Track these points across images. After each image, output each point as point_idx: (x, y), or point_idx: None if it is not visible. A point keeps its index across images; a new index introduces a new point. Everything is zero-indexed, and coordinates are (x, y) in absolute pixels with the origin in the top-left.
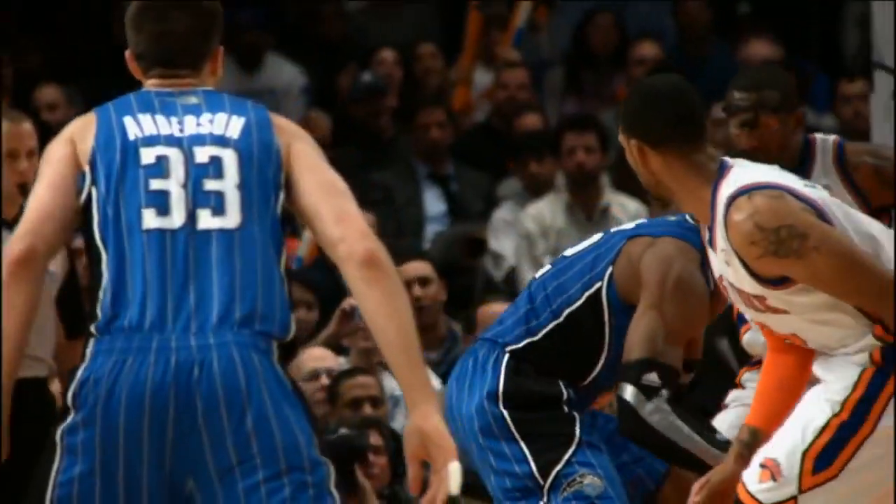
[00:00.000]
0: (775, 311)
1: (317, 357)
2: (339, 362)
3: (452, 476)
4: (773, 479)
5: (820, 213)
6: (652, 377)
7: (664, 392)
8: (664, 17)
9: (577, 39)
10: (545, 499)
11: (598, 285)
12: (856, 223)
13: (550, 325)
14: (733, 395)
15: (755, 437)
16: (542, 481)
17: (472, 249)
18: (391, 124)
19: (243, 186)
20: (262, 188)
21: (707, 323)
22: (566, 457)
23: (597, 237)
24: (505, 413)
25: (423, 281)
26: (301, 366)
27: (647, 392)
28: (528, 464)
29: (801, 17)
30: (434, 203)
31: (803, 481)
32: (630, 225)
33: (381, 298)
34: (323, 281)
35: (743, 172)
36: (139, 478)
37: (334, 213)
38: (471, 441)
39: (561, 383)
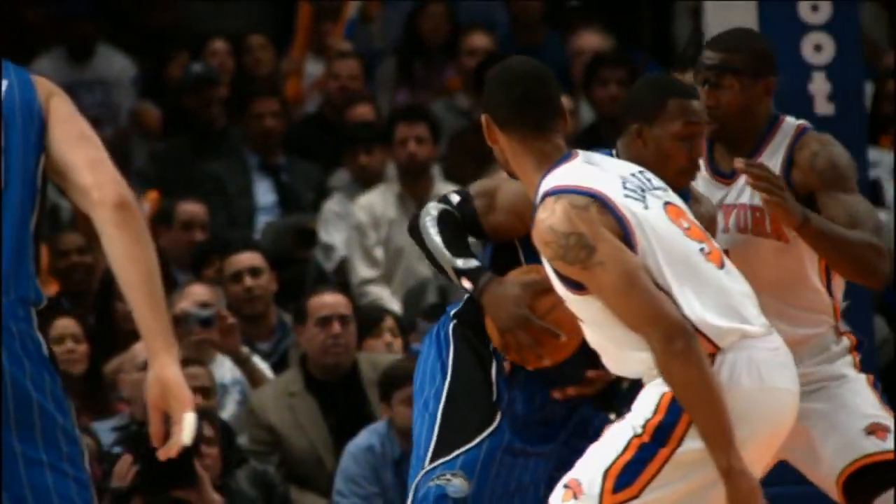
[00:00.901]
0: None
1: None
2: None
3: (187, 427)
4: (575, 497)
5: (625, 231)
6: (455, 197)
7: (448, 208)
8: (496, 7)
9: (408, 30)
10: (419, 479)
11: None
12: (671, 251)
13: None
14: None
15: None
16: (428, 463)
17: (302, 240)
18: (222, 115)
19: (7, 150)
20: (25, 151)
21: None
22: (455, 453)
23: None
24: (441, 389)
25: (255, 271)
26: (135, 356)
27: (440, 200)
28: (431, 442)
29: (633, 7)
30: (265, 194)
31: (604, 499)
32: None
33: (131, 242)
34: None
35: (571, 171)
36: None
37: (87, 162)
38: (419, 402)
39: (493, 357)
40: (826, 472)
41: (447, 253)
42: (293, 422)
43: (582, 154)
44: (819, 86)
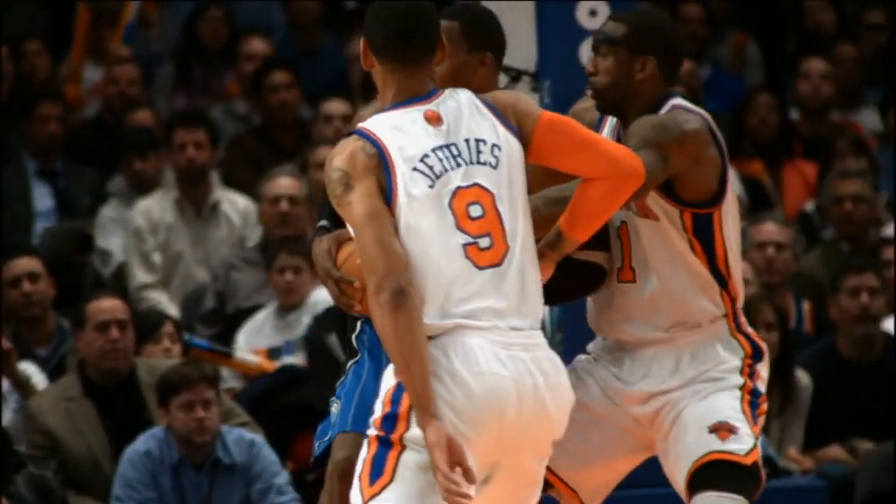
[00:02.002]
0: None
1: None
2: None
3: None
4: None
5: (389, 195)
6: None
7: None
8: (274, 10)
9: (187, 34)
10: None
11: None
12: (429, 234)
13: None
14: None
15: (559, 237)
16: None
17: (80, 246)
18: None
19: None
20: None
21: None
22: (336, 385)
23: None
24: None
25: (32, 277)
26: None
27: None
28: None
29: None
30: (43, 199)
31: (364, 496)
32: None
33: None
34: None
35: (392, 119)
36: None
37: None
38: None
39: None
40: (675, 470)
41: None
42: (71, 427)
43: (439, 100)
44: None
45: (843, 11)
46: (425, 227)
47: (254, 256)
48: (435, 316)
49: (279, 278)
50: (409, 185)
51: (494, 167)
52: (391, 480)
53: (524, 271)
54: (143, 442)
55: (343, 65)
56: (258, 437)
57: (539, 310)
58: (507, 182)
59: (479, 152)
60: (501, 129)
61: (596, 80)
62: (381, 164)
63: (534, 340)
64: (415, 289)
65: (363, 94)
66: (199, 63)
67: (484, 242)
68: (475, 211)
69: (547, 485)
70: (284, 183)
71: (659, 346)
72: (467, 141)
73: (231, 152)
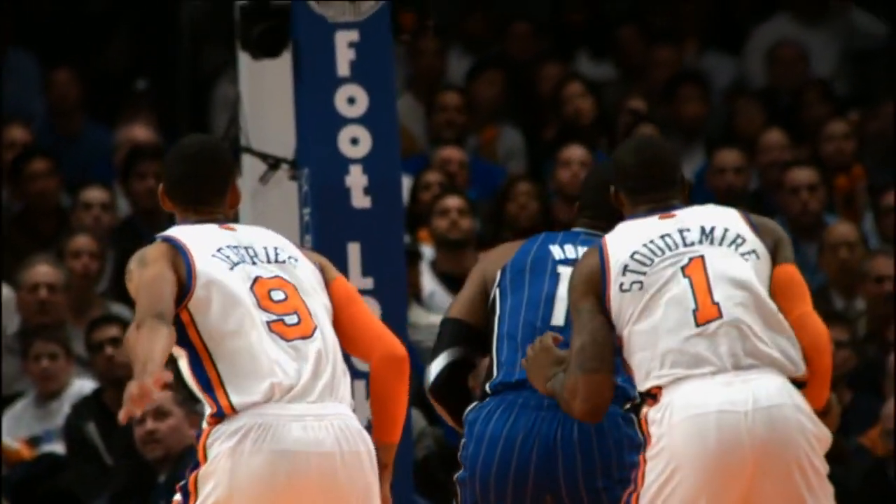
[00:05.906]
0: None
1: None
2: None
3: None
4: None
5: (188, 267)
6: None
7: None
8: (34, 97)
9: None
10: None
11: None
12: (231, 313)
13: None
14: None
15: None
16: None
17: None
18: None
19: None
20: None
21: None
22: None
23: None
24: None
25: None
26: None
27: None
28: None
29: (171, 98)
30: None
31: None
32: None
33: None
34: None
35: (187, 226)
36: None
37: None
38: None
39: None
40: None
41: None
42: None
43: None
44: (356, 179)
45: (601, 99)
46: (231, 303)
47: (12, 344)
48: (232, 396)
49: (35, 366)
50: (208, 267)
51: (294, 267)
52: None
53: (335, 352)
54: None
55: (107, 150)
56: None
57: (347, 391)
58: (308, 286)
59: (276, 255)
60: (302, 255)
61: None
62: (177, 252)
63: (327, 411)
64: (169, 322)
65: (122, 182)
66: None
67: (291, 319)
68: (277, 295)
69: None
70: (43, 271)
71: None
72: (265, 248)
73: None
